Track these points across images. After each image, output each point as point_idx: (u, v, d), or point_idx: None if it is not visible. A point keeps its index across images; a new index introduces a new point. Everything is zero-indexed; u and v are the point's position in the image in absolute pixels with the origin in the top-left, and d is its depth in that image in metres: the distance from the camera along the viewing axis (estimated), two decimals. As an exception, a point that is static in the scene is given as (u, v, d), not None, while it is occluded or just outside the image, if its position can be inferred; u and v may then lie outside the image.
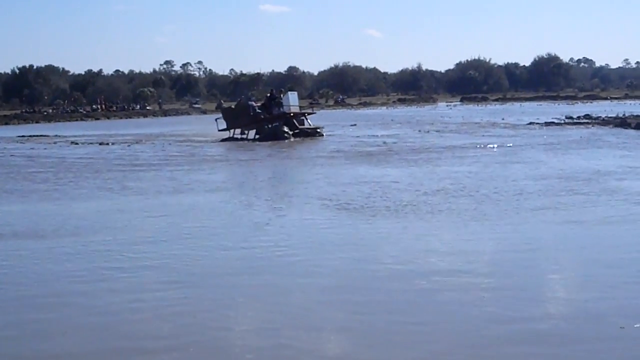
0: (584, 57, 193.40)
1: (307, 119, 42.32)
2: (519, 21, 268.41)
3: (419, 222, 14.36)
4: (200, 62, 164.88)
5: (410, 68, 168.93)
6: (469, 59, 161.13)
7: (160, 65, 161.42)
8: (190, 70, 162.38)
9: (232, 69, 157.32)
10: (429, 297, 9.56)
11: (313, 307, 9.27)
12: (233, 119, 41.13)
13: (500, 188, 18.36)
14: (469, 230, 13.50)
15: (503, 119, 56.15)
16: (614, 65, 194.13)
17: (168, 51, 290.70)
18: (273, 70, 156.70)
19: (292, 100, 41.62)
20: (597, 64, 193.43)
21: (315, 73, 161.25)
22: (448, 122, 54.91)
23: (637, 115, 51.59)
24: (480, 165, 23.85)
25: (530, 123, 48.57)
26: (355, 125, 53.64)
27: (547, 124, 47.51)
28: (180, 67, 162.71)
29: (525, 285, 10.02)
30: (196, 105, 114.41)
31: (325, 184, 20.30)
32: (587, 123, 47.34)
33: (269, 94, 42.53)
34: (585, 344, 7.86)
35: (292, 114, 40.55)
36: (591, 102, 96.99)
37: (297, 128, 39.98)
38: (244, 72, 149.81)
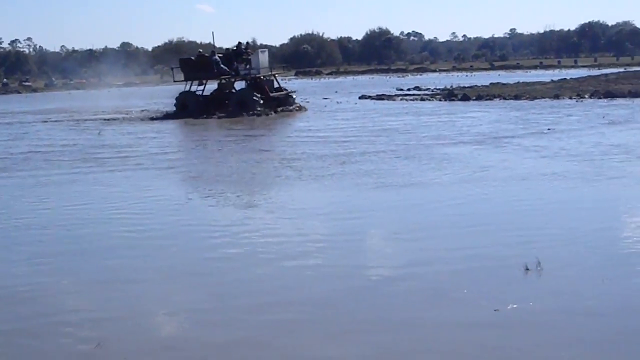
0: (413, 31, 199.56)
1: (277, 80, 39.08)
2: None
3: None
4: (29, 39, 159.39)
5: (244, 43, 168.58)
6: (303, 34, 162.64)
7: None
8: (19, 48, 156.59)
9: (63, 46, 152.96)
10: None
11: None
12: (193, 71, 37.19)
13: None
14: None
15: (336, 92, 57.32)
16: (442, 38, 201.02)
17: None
18: (106, 47, 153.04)
19: (262, 61, 37.65)
20: (426, 38, 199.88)
21: (150, 49, 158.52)
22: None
23: (464, 87, 54.03)
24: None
25: (362, 96, 49.66)
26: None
27: (379, 96, 48.81)
28: (9, 44, 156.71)
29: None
30: (26, 83, 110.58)
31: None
32: (417, 95, 49.04)
33: (235, 47, 38.99)
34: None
35: (263, 77, 37.10)
36: (421, 75, 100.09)
37: (268, 94, 36.59)
38: (75, 48, 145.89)
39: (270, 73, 38.70)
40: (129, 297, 8.90)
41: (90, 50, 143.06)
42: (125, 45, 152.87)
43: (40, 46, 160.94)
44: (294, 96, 38.84)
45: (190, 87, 37.68)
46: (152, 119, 37.28)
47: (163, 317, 8.28)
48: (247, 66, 37.16)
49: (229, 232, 11.91)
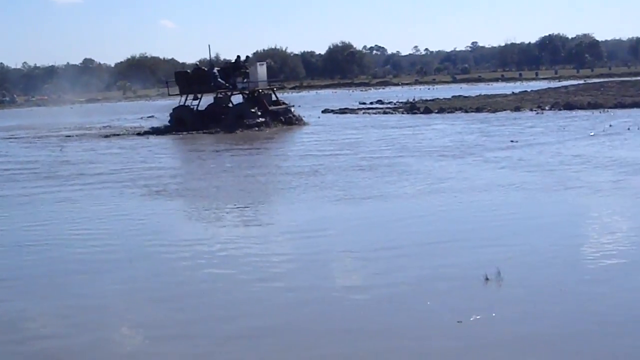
0: (376, 45, 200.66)
1: (275, 93, 37.93)
2: (313, 10, 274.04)
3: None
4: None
5: (207, 58, 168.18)
6: (266, 48, 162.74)
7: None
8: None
9: (25, 62, 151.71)
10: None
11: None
12: (189, 85, 36.52)
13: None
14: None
15: (299, 106, 57.31)
16: (404, 52, 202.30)
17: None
18: (68, 63, 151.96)
19: (260, 74, 36.66)
20: (389, 51, 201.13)
21: (112, 65, 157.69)
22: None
23: (426, 100, 54.30)
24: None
25: (325, 110, 49.69)
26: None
27: (342, 110, 48.90)
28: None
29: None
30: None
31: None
32: (380, 108, 49.19)
33: (234, 61, 37.46)
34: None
35: (260, 90, 36.19)
36: (384, 88, 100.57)
37: (267, 108, 35.56)
38: (37, 65, 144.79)
39: (268, 87, 37.97)
40: (88, 322, 8.68)
41: (52, 66, 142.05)
42: (87, 62, 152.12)
43: (1, 62, 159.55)
44: (293, 110, 37.94)
45: (185, 101, 36.92)
46: (145, 133, 36.36)
47: (123, 346, 8.15)
48: (245, 80, 36.34)
49: (191, 251, 11.73)
